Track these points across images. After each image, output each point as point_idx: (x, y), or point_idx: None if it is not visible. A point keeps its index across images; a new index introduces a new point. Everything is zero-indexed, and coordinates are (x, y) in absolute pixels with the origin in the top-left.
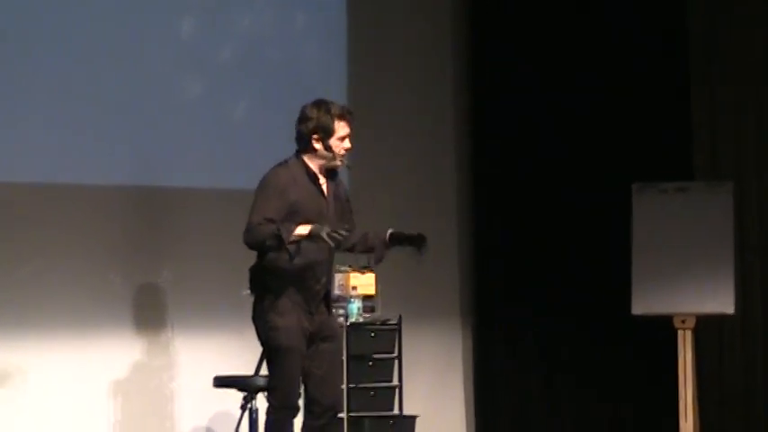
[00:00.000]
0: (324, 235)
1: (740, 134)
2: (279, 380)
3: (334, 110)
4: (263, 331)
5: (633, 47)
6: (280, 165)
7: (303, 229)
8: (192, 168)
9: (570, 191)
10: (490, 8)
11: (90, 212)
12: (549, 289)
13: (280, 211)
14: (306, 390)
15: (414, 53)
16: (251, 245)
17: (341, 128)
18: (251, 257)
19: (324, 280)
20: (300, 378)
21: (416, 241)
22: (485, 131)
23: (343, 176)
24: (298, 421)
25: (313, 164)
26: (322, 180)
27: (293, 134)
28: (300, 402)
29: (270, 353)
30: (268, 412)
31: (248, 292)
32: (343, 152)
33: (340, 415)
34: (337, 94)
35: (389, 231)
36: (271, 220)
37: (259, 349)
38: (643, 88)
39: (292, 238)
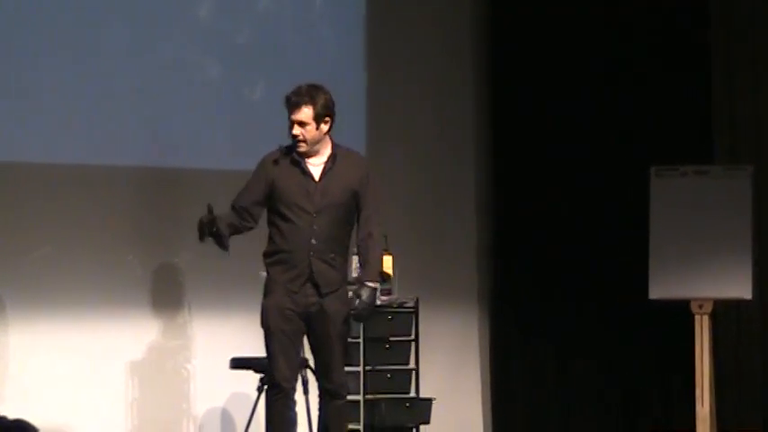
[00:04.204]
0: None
1: (760, 117)
2: (267, 359)
3: (286, 98)
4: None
5: (653, 29)
6: (283, 145)
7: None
8: (210, 149)
9: (589, 174)
10: None
11: (107, 193)
12: (566, 272)
13: (255, 191)
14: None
15: (432, 35)
16: None
17: (290, 115)
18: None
19: (305, 264)
20: (291, 358)
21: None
22: (504, 115)
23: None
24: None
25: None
26: (313, 161)
27: None
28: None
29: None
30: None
31: (265, 273)
32: (292, 137)
33: (356, 397)
34: (355, 77)
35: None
36: (234, 208)
37: None
38: (662, 71)
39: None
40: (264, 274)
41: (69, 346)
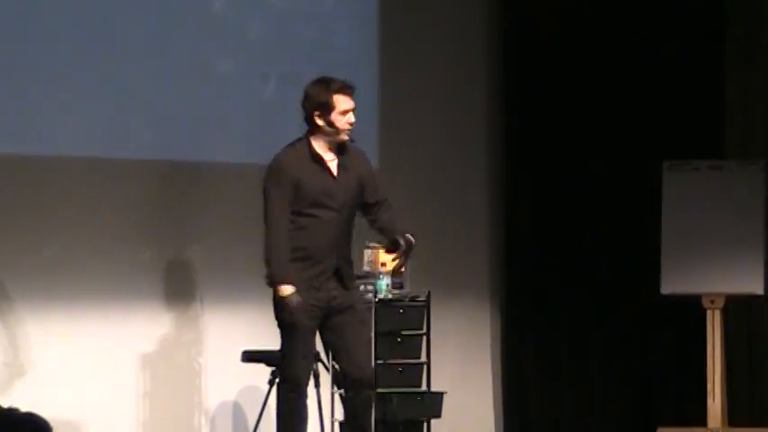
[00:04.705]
0: (290, 301)
1: None
2: (283, 354)
3: (333, 85)
4: (275, 307)
5: (667, 24)
6: (287, 146)
7: (287, 290)
8: (222, 143)
9: (601, 168)
10: None
11: (120, 186)
12: (578, 267)
13: (285, 196)
14: (338, 365)
15: (445, 29)
16: (266, 243)
17: (341, 102)
18: None
19: (330, 259)
20: (310, 355)
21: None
22: (516, 111)
23: (372, 152)
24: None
25: (319, 142)
26: (330, 157)
27: None
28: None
29: (279, 328)
30: (277, 386)
31: None
32: (347, 126)
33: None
34: (368, 72)
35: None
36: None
37: None
38: (676, 66)
39: (281, 291)
40: None
41: (81, 339)
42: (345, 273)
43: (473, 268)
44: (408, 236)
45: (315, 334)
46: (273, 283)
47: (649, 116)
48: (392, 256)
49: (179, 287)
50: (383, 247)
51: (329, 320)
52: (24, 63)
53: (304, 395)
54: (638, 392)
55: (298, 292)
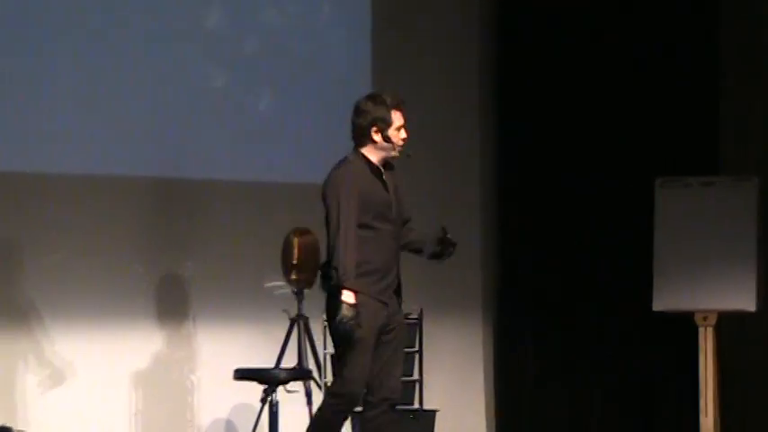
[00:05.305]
0: (345, 315)
1: (766, 129)
2: (342, 367)
3: (390, 101)
4: (335, 320)
5: (661, 40)
6: (342, 163)
7: (349, 297)
8: (216, 160)
9: (594, 185)
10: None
11: (114, 203)
12: (571, 283)
13: (355, 205)
14: (371, 382)
15: (439, 45)
16: (334, 249)
17: (397, 118)
18: (273, 249)
19: (393, 273)
20: (366, 370)
21: (447, 248)
22: (510, 125)
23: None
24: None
25: (373, 157)
26: (383, 172)
27: (317, 127)
28: None
29: (341, 341)
30: (325, 397)
31: (272, 284)
32: (401, 142)
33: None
34: (362, 87)
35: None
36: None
37: (279, 342)
38: (670, 82)
39: (345, 297)
40: (270, 285)
41: (73, 356)
42: (401, 289)
43: (466, 286)
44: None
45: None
46: (340, 288)
47: (643, 133)
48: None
49: (172, 305)
50: (430, 254)
51: (380, 337)
52: (20, 81)
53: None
54: (631, 409)
55: (367, 305)
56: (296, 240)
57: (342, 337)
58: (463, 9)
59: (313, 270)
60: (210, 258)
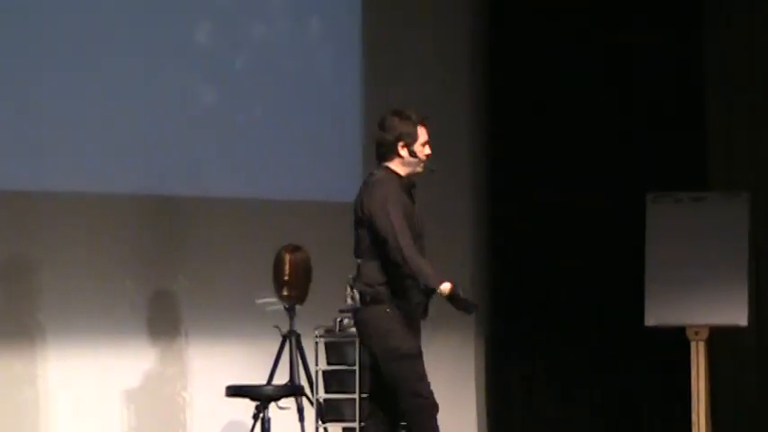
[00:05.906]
0: (459, 293)
1: (756, 144)
2: (418, 382)
3: (415, 117)
4: (378, 341)
5: (649, 56)
6: (377, 179)
7: (448, 286)
8: (206, 177)
9: (585, 200)
10: (509, 7)
11: (104, 221)
12: (563, 299)
13: (406, 225)
14: (373, 397)
15: (429, 61)
16: (407, 265)
17: (422, 133)
18: (264, 266)
19: (424, 291)
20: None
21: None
22: (499, 141)
23: (357, 180)
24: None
25: (400, 172)
26: (414, 187)
27: (307, 143)
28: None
29: (404, 358)
30: (420, 411)
31: (264, 300)
32: (426, 157)
33: (352, 424)
34: (351, 103)
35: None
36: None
37: (271, 359)
38: (659, 98)
39: (444, 289)
40: (261, 301)
41: (65, 373)
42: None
43: None
44: None
45: None
46: (434, 284)
47: (633, 148)
48: None
49: (164, 321)
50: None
51: None
52: (9, 99)
53: None
54: (624, 423)
55: (410, 324)
56: (287, 257)
57: (409, 354)
58: (455, 26)
59: (304, 286)
60: (202, 275)
